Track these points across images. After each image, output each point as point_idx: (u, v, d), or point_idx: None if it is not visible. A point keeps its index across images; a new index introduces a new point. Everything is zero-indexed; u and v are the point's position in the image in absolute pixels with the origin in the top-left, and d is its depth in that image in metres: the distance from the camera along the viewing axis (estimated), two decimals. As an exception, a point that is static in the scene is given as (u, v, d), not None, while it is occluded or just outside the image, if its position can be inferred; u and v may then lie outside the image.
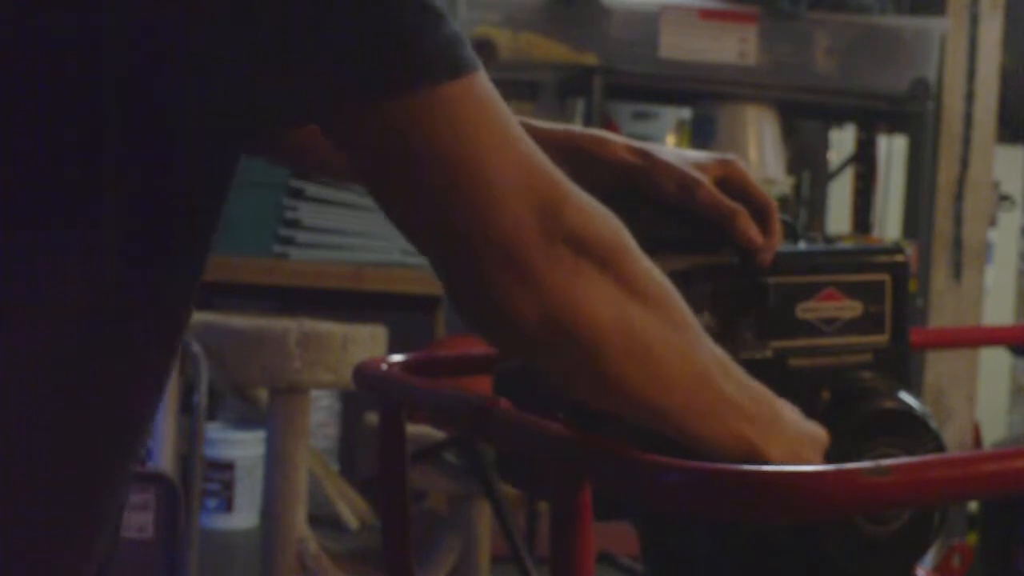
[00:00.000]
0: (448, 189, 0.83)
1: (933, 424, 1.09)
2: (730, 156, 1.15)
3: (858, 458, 1.05)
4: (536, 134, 1.14)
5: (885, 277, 1.13)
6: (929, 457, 0.78)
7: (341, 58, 0.80)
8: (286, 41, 0.80)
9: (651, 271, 0.91)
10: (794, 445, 0.99)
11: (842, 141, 4.50)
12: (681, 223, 1.10)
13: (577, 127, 1.18)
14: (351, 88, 0.81)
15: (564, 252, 0.85)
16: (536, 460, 1.02)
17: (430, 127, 0.81)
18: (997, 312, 5.03)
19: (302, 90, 0.82)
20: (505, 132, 0.85)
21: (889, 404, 1.08)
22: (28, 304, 0.84)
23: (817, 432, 1.03)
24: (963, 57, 3.72)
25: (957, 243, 3.72)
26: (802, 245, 1.16)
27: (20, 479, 0.86)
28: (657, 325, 0.90)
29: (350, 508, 3.77)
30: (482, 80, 0.84)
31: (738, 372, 0.97)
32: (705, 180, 1.11)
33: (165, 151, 0.85)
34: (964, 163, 3.72)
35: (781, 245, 1.12)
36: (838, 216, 4.41)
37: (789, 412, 1.01)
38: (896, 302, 1.13)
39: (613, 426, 0.97)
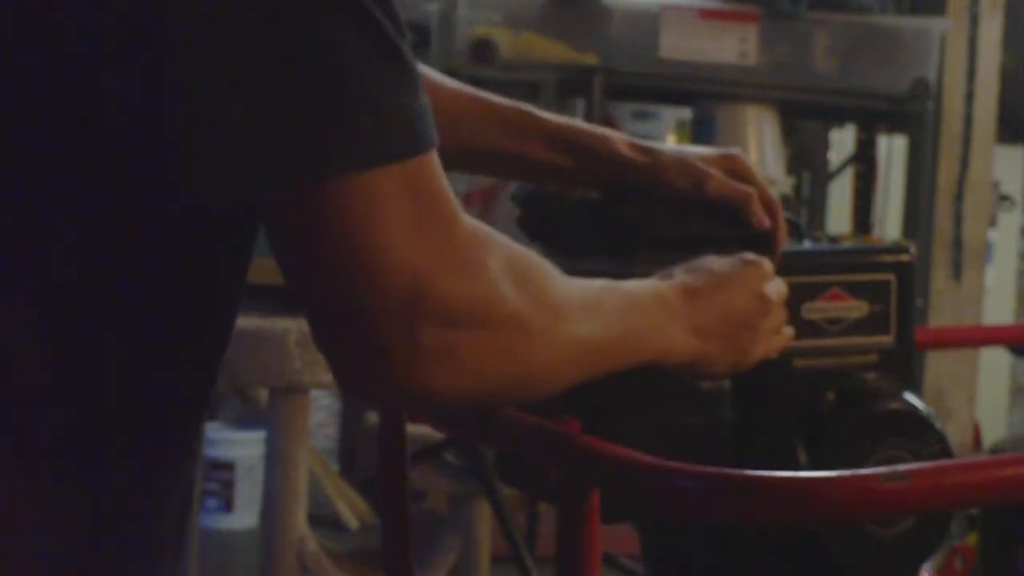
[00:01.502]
0: (338, 275, 0.84)
1: (938, 425, 1.08)
2: (734, 151, 1.14)
3: (864, 460, 1.04)
4: (541, 125, 1.14)
5: (890, 277, 1.12)
6: (946, 462, 0.77)
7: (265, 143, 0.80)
8: (231, 113, 0.80)
9: (537, 295, 0.91)
10: (716, 324, 1.02)
11: (842, 141, 4.49)
12: (686, 221, 1.10)
13: (582, 122, 1.18)
14: (284, 169, 0.81)
15: (429, 338, 0.85)
16: (538, 463, 1.01)
17: (338, 213, 0.81)
18: (997, 312, 5.02)
19: (237, 165, 0.82)
20: (403, 225, 0.84)
21: (894, 405, 1.08)
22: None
23: (734, 267, 1.05)
24: (963, 57, 3.72)
25: (957, 243, 3.72)
26: (807, 244, 1.16)
27: None
28: (550, 343, 0.91)
29: (350, 508, 3.76)
30: (408, 167, 0.83)
31: (640, 294, 0.99)
32: (713, 171, 1.11)
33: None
34: (964, 163, 3.72)
35: (787, 244, 1.11)
36: (838, 216, 4.40)
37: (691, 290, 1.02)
38: (901, 302, 1.12)
39: (622, 429, 0.96)
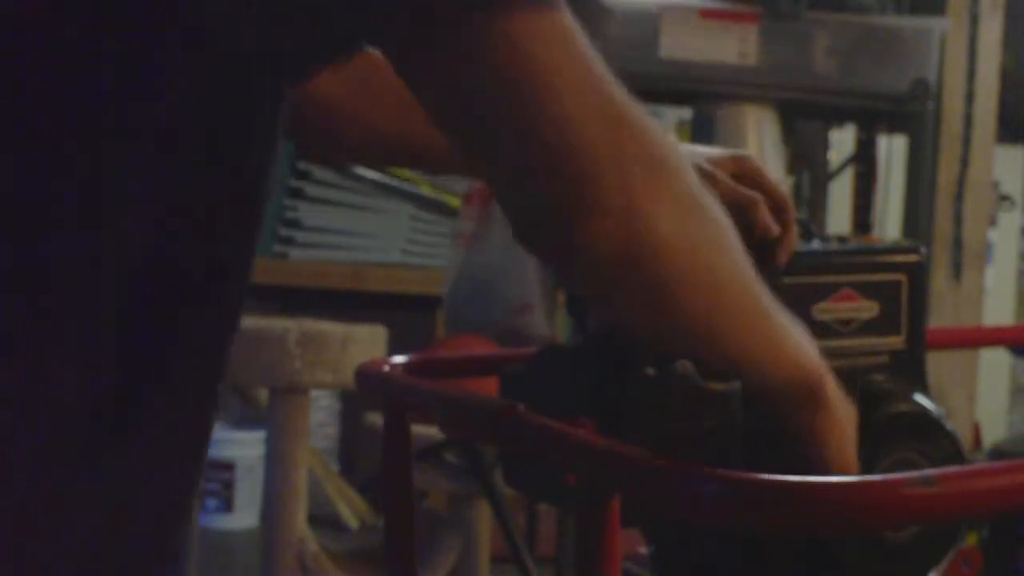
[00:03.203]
0: (528, 120, 0.82)
1: (950, 427, 1.07)
2: (743, 152, 1.13)
3: (876, 462, 1.03)
4: None
5: (902, 277, 1.12)
6: (977, 466, 0.76)
7: None
8: None
9: (702, 184, 0.90)
10: (838, 391, 0.98)
11: (842, 141, 4.48)
12: None
13: None
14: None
15: (636, 172, 0.83)
16: (555, 468, 0.99)
17: (523, 51, 0.82)
18: (997, 312, 5.01)
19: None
20: (586, 61, 0.86)
21: (905, 408, 1.07)
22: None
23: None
24: (963, 57, 3.71)
25: (957, 243, 3.71)
26: (815, 244, 1.15)
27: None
28: (714, 243, 0.89)
29: (350, 508, 3.76)
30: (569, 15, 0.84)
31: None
32: (721, 174, 1.09)
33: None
34: (964, 163, 3.72)
35: (796, 245, 1.10)
36: (838, 216, 4.39)
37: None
38: (912, 303, 1.12)
39: (640, 432, 0.96)
